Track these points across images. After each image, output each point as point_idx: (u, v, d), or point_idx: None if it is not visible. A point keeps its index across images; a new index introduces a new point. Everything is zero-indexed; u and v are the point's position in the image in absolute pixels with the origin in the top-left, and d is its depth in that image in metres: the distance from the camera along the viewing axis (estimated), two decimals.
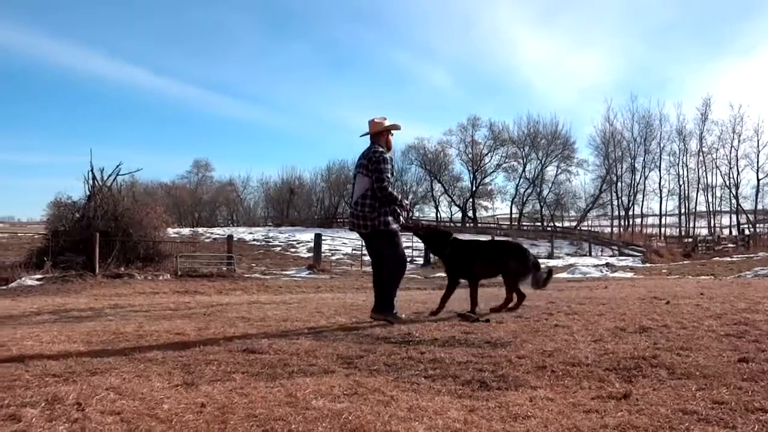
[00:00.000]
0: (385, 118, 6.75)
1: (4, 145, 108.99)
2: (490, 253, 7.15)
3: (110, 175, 23.90)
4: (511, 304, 6.90)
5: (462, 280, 6.99)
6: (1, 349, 5.19)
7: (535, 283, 6.97)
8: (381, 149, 6.53)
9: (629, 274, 22.16)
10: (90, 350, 5.11)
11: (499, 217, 69.23)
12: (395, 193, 6.49)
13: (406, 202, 6.79)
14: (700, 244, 40.89)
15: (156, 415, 3.08)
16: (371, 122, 6.70)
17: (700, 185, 61.81)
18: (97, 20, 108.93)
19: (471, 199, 65.63)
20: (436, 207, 68.06)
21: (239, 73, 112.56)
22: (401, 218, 6.66)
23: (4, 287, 16.87)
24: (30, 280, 17.78)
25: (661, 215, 62.33)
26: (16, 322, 8.16)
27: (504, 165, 65.84)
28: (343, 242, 35.18)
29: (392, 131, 6.83)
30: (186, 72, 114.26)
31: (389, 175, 6.44)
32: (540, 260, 7.61)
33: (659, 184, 62.05)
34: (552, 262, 29.57)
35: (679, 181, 61.98)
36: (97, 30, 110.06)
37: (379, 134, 6.67)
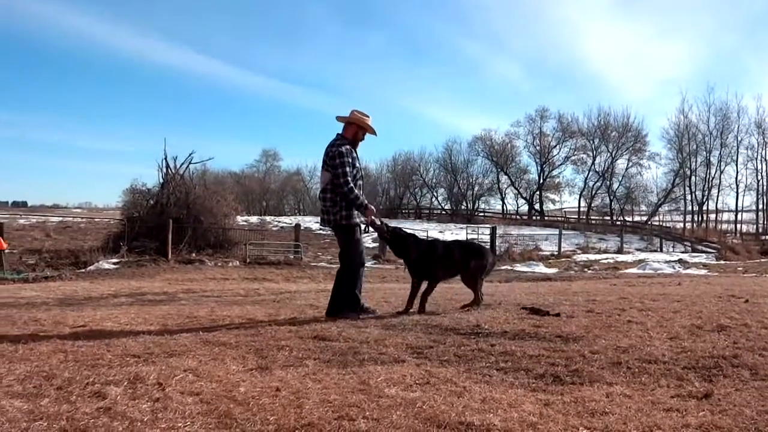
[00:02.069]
0: (366, 116, 6.58)
1: (84, 131, 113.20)
2: (453, 254, 6.90)
3: (183, 164, 24.61)
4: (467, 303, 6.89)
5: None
6: (83, 329, 5.41)
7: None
8: (339, 143, 6.36)
9: (703, 272, 21.47)
10: (166, 332, 5.26)
11: (566, 210, 67.99)
12: (356, 193, 6.29)
13: (371, 207, 6.49)
14: None
15: (233, 398, 3.15)
16: (351, 111, 6.58)
17: None
18: (188, 18, 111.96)
19: (538, 192, 64.70)
20: (503, 199, 67.33)
21: (315, 64, 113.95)
22: (372, 220, 6.53)
23: (83, 270, 17.55)
24: (107, 264, 18.45)
25: (737, 211, 60.00)
26: (96, 304, 8.49)
27: (573, 157, 64.58)
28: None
29: (362, 129, 6.55)
30: (262, 64, 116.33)
31: (349, 170, 6.24)
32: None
33: (735, 178, 59.74)
34: (621, 257, 28.94)
35: (756, 175, 59.50)
36: (185, 27, 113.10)
37: (348, 125, 6.52)
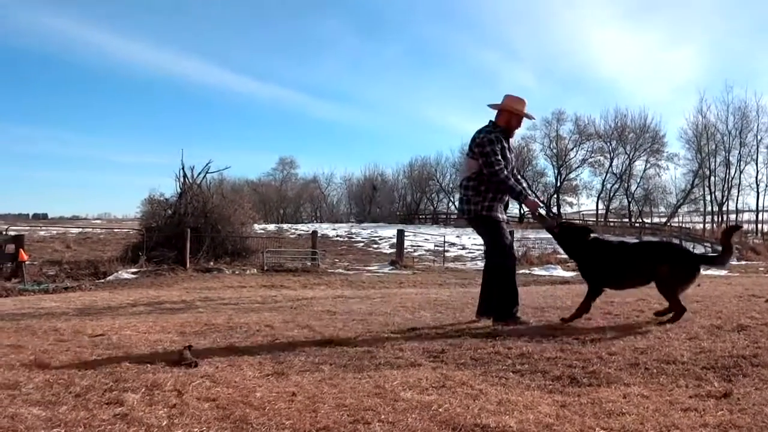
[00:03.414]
0: (523, 101, 6.11)
1: (104, 144, 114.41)
2: (635, 256, 5.96)
3: (200, 173, 24.78)
4: (667, 316, 5.68)
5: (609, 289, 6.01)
6: (102, 337, 5.44)
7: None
8: (488, 129, 5.94)
9: (723, 272, 21.22)
10: (184, 340, 5.29)
11: (584, 213, 67.60)
12: (513, 181, 5.87)
13: (531, 198, 5.97)
14: None
15: (250, 403, 3.17)
16: (504, 96, 6.13)
17: None
18: (204, 32, 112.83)
19: (555, 195, 64.40)
20: (520, 203, 67.09)
21: (331, 75, 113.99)
22: (540, 212, 6.10)
23: (102, 280, 17.71)
24: (126, 274, 18.59)
25: (758, 211, 59.37)
26: (115, 313, 8.55)
27: (590, 160, 64.24)
28: (426, 238, 35.16)
29: (516, 115, 6.08)
30: (278, 75, 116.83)
31: (499, 158, 5.77)
32: None
33: (756, 178, 59.00)
34: None
35: None
36: (202, 40, 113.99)
37: (500, 112, 6.09)
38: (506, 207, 6.21)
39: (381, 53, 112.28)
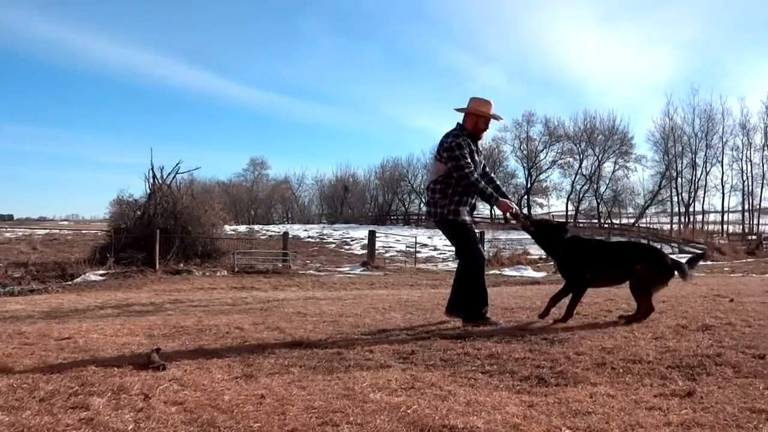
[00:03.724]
0: (489, 103, 6.11)
1: (71, 142, 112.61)
2: (612, 255, 6.07)
3: (170, 174, 24.51)
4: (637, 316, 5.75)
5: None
6: (68, 341, 5.36)
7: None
8: (456, 133, 5.97)
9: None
10: (152, 343, 5.23)
11: (554, 214, 68.21)
12: (483, 184, 5.89)
13: (502, 200, 5.95)
14: (764, 242, 39.59)
15: (217, 406, 3.14)
16: (470, 99, 6.16)
17: (764, 180, 59.79)
18: (176, 30, 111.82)
19: (526, 196, 64.92)
20: (491, 205, 67.59)
21: (304, 75, 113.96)
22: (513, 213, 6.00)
23: (70, 282, 17.42)
24: (93, 276, 18.32)
25: (723, 212, 60.53)
26: (82, 316, 8.43)
27: (560, 161, 65.06)
28: (397, 239, 35.23)
29: (482, 117, 6.09)
30: (249, 74, 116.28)
31: (468, 161, 5.82)
32: None
33: (721, 179, 60.35)
34: None
35: (742, 176, 60.20)
36: (173, 38, 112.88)
37: (467, 116, 6.11)
38: (473, 209, 6.23)
39: (354, 54, 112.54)
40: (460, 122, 6.14)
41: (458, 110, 6.20)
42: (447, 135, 6.03)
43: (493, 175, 6.43)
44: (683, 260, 6.14)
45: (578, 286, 5.87)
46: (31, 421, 2.89)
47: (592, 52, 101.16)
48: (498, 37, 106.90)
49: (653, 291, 5.73)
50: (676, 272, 5.76)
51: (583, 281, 5.86)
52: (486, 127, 6.24)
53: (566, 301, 5.88)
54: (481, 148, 6.31)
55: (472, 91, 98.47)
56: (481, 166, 6.21)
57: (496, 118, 6.23)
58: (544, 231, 6.13)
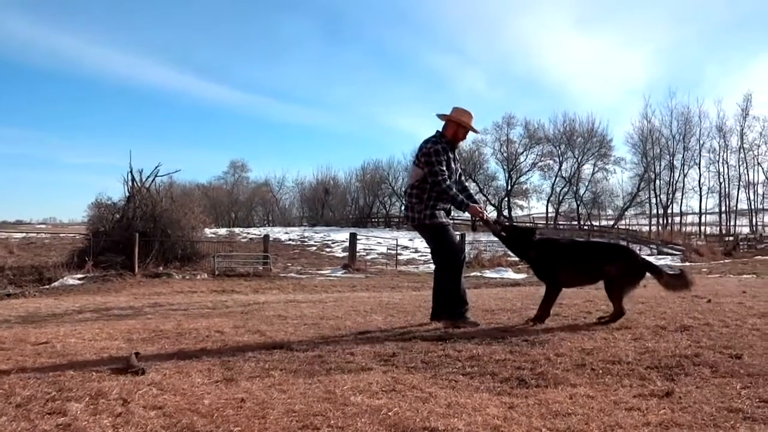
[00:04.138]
0: (470, 114, 6.25)
1: (49, 144, 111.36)
2: (583, 255, 6.10)
3: (149, 177, 24.34)
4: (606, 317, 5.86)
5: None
6: (45, 345, 5.30)
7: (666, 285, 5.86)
8: (435, 140, 6.09)
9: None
10: (131, 347, 5.18)
11: (534, 216, 68.61)
12: (455, 191, 5.99)
13: (473, 205, 6.08)
14: (741, 243, 40.09)
15: (197, 410, 3.12)
16: (453, 109, 6.28)
17: (741, 182, 60.67)
18: (155, 31, 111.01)
19: (506, 198, 65.16)
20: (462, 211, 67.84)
21: (284, 77, 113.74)
22: (483, 218, 6.16)
23: (47, 287, 17.22)
24: (72, 280, 18.13)
25: (701, 213, 61.19)
26: (59, 320, 8.34)
27: (540, 163, 65.26)
28: (378, 242, 35.22)
29: (462, 127, 6.22)
30: (231, 77, 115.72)
31: (443, 168, 5.95)
32: None
33: (699, 181, 60.98)
34: None
35: (719, 178, 60.89)
36: (152, 40, 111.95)
37: (448, 123, 6.24)
38: (448, 213, 6.30)
39: (335, 56, 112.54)
40: (440, 130, 6.26)
41: (440, 117, 6.31)
42: (426, 141, 6.14)
43: (467, 183, 6.56)
44: (660, 265, 6.18)
45: (554, 286, 5.93)
46: (7, 427, 2.85)
47: (572, 55, 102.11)
48: (479, 40, 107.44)
49: (624, 292, 5.75)
50: (648, 273, 5.84)
51: (558, 281, 5.92)
52: (464, 138, 6.42)
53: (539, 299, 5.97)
54: (458, 156, 6.46)
55: (453, 92, 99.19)
56: (458, 174, 6.33)
57: (475, 131, 6.42)
58: (515, 235, 6.23)
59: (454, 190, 6.02)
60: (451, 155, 6.16)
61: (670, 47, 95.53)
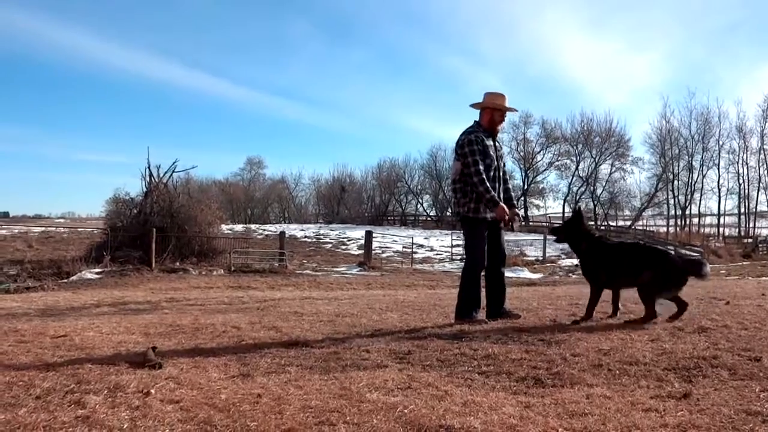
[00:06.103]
0: (503, 96, 6.15)
1: (68, 143, 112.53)
2: (623, 258, 5.88)
3: (166, 173, 24.54)
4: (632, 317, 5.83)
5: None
6: (64, 338, 5.35)
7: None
8: (470, 130, 5.99)
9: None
10: (148, 341, 5.22)
11: (551, 215, 68.30)
12: (486, 186, 5.80)
13: (502, 205, 5.94)
14: (760, 245, 39.74)
15: (214, 405, 3.14)
16: (485, 94, 6.15)
17: (761, 184, 59.97)
18: (174, 33, 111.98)
19: (522, 198, 64.99)
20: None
21: (299, 78, 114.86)
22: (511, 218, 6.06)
23: (66, 280, 17.41)
24: (90, 274, 18.31)
25: (719, 215, 60.61)
26: (78, 314, 8.42)
27: (556, 163, 65.12)
28: (394, 240, 35.21)
29: (497, 111, 6.08)
30: (247, 77, 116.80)
31: (480, 158, 5.82)
32: None
33: (718, 182, 60.44)
34: None
35: (738, 179, 60.26)
36: (172, 41, 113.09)
37: (482, 111, 6.13)
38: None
39: (350, 57, 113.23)
40: (477, 119, 6.16)
41: (473, 106, 6.20)
42: (463, 132, 6.05)
43: (507, 177, 6.37)
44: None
45: (596, 286, 5.94)
46: (27, 418, 2.88)
47: (586, 55, 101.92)
48: (492, 41, 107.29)
49: (657, 296, 5.62)
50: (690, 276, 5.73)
51: (600, 282, 5.90)
52: (502, 120, 6.22)
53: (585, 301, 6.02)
54: (499, 144, 6.29)
55: (467, 92, 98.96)
56: (501, 162, 6.18)
57: (512, 110, 6.25)
58: (567, 228, 6.25)
59: (486, 185, 5.83)
60: (489, 143, 6.01)
61: (686, 46, 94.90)
